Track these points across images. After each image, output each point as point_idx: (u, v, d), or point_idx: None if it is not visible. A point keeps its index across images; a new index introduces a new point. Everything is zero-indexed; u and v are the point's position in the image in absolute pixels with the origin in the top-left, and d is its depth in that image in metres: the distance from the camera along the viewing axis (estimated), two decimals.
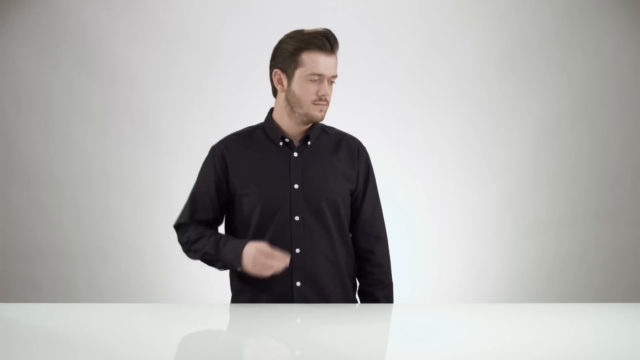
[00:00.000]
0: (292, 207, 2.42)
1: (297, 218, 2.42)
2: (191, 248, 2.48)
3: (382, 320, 2.24)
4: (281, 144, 2.45)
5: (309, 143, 2.47)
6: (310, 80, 2.38)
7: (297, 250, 2.41)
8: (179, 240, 2.55)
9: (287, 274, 2.39)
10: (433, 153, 4.23)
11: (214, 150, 2.51)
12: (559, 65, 4.23)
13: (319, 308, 2.32)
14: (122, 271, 4.17)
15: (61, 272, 4.20)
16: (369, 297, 2.52)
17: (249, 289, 2.47)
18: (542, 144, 4.23)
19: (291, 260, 2.38)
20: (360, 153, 2.55)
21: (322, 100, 2.41)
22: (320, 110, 2.42)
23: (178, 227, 2.57)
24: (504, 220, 4.24)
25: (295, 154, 2.46)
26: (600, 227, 4.21)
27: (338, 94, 4.25)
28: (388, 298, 2.53)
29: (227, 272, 2.55)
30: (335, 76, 2.41)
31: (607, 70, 4.23)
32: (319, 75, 2.37)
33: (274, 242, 2.38)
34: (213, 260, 2.41)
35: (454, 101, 4.23)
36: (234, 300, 2.53)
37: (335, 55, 2.39)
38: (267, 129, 2.48)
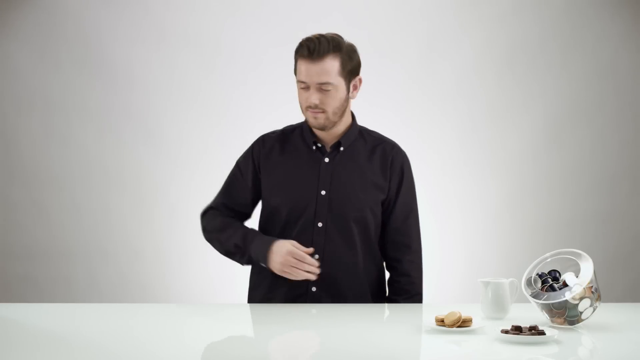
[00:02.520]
0: (317, 213, 2.40)
1: (320, 224, 2.40)
2: (216, 237, 2.44)
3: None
4: (314, 148, 2.43)
5: (341, 149, 2.43)
6: (300, 87, 2.37)
7: (316, 257, 2.37)
8: (204, 226, 2.51)
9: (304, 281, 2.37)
10: (433, 153, 4.23)
11: (254, 145, 2.50)
12: (558, 66, 4.22)
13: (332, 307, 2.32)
14: (122, 271, 4.17)
15: (61, 272, 4.20)
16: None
17: (264, 287, 2.45)
18: (542, 144, 4.23)
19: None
20: (394, 161, 2.48)
21: (313, 108, 2.35)
22: (315, 118, 2.36)
23: (206, 211, 2.52)
24: (504, 220, 4.24)
25: (327, 160, 2.43)
26: (600, 227, 4.21)
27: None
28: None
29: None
30: (325, 83, 2.32)
31: (607, 70, 4.22)
32: (303, 82, 2.35)
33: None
34: (239, 253, 2.38)
35: (453, 101, 4.23)
36: (249, 296, 2.53)
37: (324, 61, 2.31)
38: (304, 132, 2.46)
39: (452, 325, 1.90)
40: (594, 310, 1.99)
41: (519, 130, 4.22)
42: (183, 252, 4.10)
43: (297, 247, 2.29)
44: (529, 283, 2.06)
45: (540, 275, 2.06)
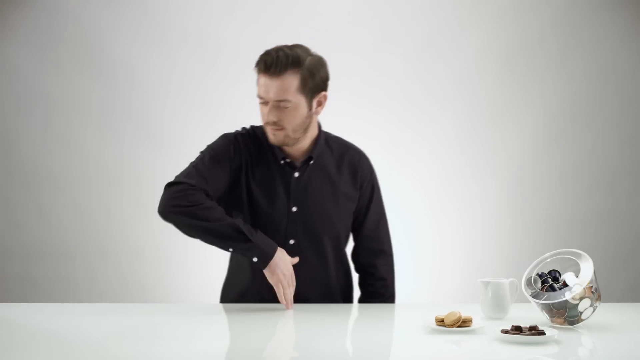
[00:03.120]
0: (288, 231, 2.35)
1: (292, 242, 2.36)
2: (201, 212, 2.21)
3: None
4: (282, 162, 2.37)
5: (311, 162, 2.38)
6: (259, 102, 2.30)
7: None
8: (176, 197, 2.24)
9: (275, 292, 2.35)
10: (433, 153, 4.23)
11: (233, 143, 2.36)
12: (558, 66, 4.22)
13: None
14: (122, 271, 4.17)
15: (61, 272, 4.20)
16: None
17: (238, 287, 2.44)
18: (542, 144, 4.23)
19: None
20: (362, 171, 2.45)
21: (271, 124, 2.28)
22: (273, 134, 2.29)
23: (177, 184, 2.27)
24: (504, 220, 4.24)
25: (296, 174, 2.37)
26: (600, 227, 4.21)
27: (338, 95, 4.26)
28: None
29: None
30: (282, 100, 2.23)
31: (607, 70, 4.22)
32: (260, 97, 2.28)
33: None
34: (238, 238, 2.20)
35: (453, 101, 4.23)
36: (223, 290, 2.51)
37: (283, 77, 2.22)
38: (273, 146, 2.37)
39: (452, 325, 1.90)
40: (594, 310, 1.99)
41: (519, 130, 4.22)
42: (183, 252, 4.09)
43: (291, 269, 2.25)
44: (529, 283, 2.06)
45: (540, 275, 2.06)
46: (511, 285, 2.14)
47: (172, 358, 1.76)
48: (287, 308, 2.23)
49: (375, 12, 4.23)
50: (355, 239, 2.53)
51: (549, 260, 2.10)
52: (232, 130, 2.48)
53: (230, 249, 2.24)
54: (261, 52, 2.38)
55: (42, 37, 4.18)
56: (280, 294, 2.23)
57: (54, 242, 4.19)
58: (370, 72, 4.23)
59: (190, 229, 2.25)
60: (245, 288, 2.42)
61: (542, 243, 4.08)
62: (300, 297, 2.37)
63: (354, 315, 2.30)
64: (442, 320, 1.93)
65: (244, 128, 2.44)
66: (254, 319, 2.15)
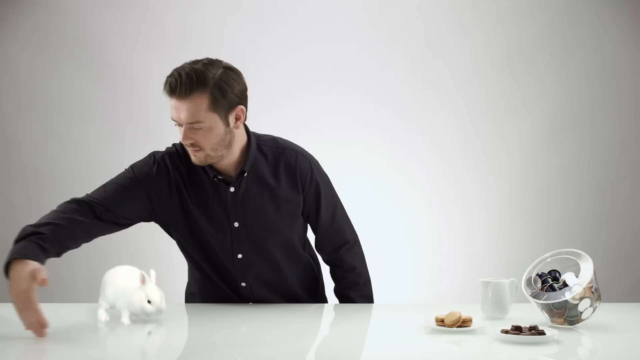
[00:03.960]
0: (234, 246, 2.31)
1: (239, 256, 2.32)
2: (42, 224, 2.17)
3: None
4: (216, 180, 2.28)
5: (245, 175, 2.28)
6: (174, 124, 2.22)
7: (243, 284, 2.36)
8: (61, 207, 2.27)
9: (240, 297, 2.36)
10: (433, 154, 4.23)
11: (158, 164, 2.28)
12: (558, 66, 4.22)
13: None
14: None
15: (61, 272, 4.20)
16: (345, 299, 2.50)
17: (197, 290, 2.44)
18: (542, 144, 4.23)
19: (239, 292, 2.35)
20: (302, 172, 2.34)
21: (188, 146, 2.19)
22: (194, 155, 2.20)
23: (72, 201, 2.28)
24: (504, 220, 4.24)
25: (232, 189, 2.27)
26: (600, 227, 4.21)
27: (338, 96, 4.27)
28: (366, 296, 2.50)
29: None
30: (194, 122, 2.12)
31: (607, 70, 4.22)
32: (173, 119, 2.20)
33: (219, 278, 2.31)
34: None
35: (453, 102, 4.23)
36: (186, 298, 2.51)
37: (190, 99, 2.11)
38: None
39: (452, 325, 1.90)
40: (594, 310, 1.99)
41: (519, 130, 4.22)
42: (179, 253, 4.09)
43: (31, 288, 1.87)
44: (529, 283, 2.06)
45: (540, 275, 2.06)
46: (511, 285, 2.14)
47: (172, 358, 1.76)
48: (37, 335, 1.87)
49: (375, 12, 4.23)
50: (315, 234, 2.48)
51: (549, 260, 2.10)
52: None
53: None
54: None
55: (43, 37, 4.18)
56: (20, 316, 1.90)
57: None
58: (370, 73, 4.23)
59: None
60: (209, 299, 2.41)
61: (542, 243, 4.08)
62: (260, 299, 2.38)
63: (354, 315, 2.30)
64: (442, 320, 1.93)
65: (174, 145, 2.36)
66: (254, 318, 2.15)
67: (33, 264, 1.92)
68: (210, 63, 2.17)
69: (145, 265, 2.13)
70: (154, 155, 2.34)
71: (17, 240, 2.07)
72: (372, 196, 4.19)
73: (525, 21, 4.21)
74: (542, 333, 1.82)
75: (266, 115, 4.04)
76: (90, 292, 4.20)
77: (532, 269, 2.09)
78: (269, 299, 2.40)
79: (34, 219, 4.26)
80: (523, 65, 4.22)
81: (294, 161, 2.34)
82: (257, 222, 2.30)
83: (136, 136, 4.19)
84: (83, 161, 4.20)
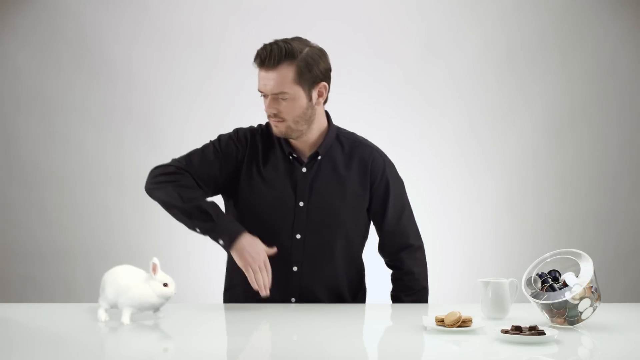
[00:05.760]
0: (295, 226, 2.35)
1: (298, 236, 2.35)
2: (175, 189, 2.28)
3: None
4: (291, 157, 2.37)
5: (319, 158, 2.37)
6: (261, 96, 2.32)
7: (295, 269, 2.36)
8: (158, 173, 2.36)
9: (283, 289, 2.35)
10: (433, 154, 4.23)
11: (235, 137, 2.40)
12: (558, 66, 4.22)
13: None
14: None
15: (61, 272, 4.20)
16: (397, 301, 2.50)
17: (240, 291, 2.40)
18: (542, 144, 4.23)
19: (287, 277, 2.35)
20: (373, 168, 2.42)
21: (271, 117, 2.31)
22: (275, 126, 2.31)
23: (165, 165, 2.38)
24: (504, 220, 4.24)
25: (304, 170, 2.36)
26: (600, 227, 4.21)
27: (338, 95, 4.26)
28: (419, 303, 2.49)
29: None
30: (280, 93, 2.25)
31: (607, 70, 4.22)
32: (260, 91, 2.30)
33: (272, 261, 2.29)
34: (201, 217, 2.24)
35: (453, 102, 4.23)
36: (224, 295, 2.49)
37: (277, 70, 2.24)
38: (281, 140, 2.38)
39: (452, 325, 1.90)
40: (594, 310, 1.99)
41: (519, 130, 4.22)
42: (183, 252, 4.09)
43: (266, 257, 2.21)
44: (529, 283, 2.06)
45: (540, 275, 2.06)
46: (511, 285, 2.14)
47: (171, 358, 1.76)
48: (262, 294, 2.19)
49: (375, 13, 4.23)
50: (379, 234, 2.50)
51: (549, 260, 2.10)
52: (231, 130, 2.46)
53: (197, 230, 2.26)
54: (325, 51, 2.38)
55: (43, 37, 4.18)
56: (250, 278, 2.19)
57: (54, 242, 4.19)
58: (370, 73, 4.23)
59: (165, 206, 2.32)
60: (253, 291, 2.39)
61: (542, 243, 4.08)
62: (307, 294, 2.37)
63: (354, 315, 2.30)
64: (442, 320, 1.93)
65: (259, 125, 2.46)
66: (252, 318, 2.15)
67: (255, 237, 2.22)
68: (300, 40, 2.31)
69: (145, 265, 2.13)
70: (236, 130, 2.44)
71: (201, 209, 2.26)
72: None
73: (525, 21, 4.21)
74: (542, 333, 1.82)
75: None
76: (90, 292, 4.20)
77: (532, 269, 2.10)
78: (315, 290, 2.38)
79: (34, 218, 4.25)
80: (523, 65, 4.22)
81: (368, 156, 2.43)
82: (322, 206, 2.35)
83: (136, 136, 4.19)
84: (83, 161, 4.20)
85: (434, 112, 4.23)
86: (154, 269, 2.06)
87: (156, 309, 2.08)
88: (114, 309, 2.08)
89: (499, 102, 4.23)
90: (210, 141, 2.43)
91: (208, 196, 2.37)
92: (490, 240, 4.23)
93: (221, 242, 2.23)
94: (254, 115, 4.32)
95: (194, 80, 4.20)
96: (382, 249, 2.52)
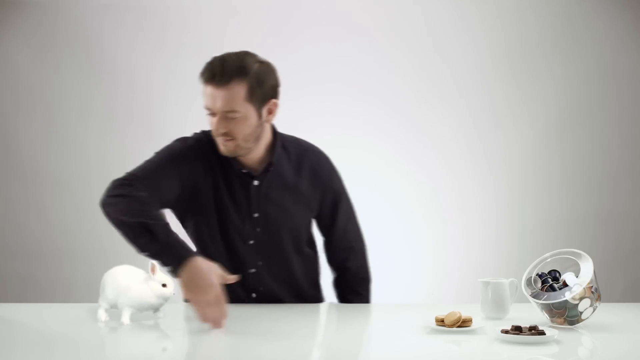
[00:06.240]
0: (249, 234, 2.34)
1: (251, 242, 2.35)
2: (133, 208, 2.10)
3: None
4: (242, 172, 2.32)
5: (271, 169, 2.33)
6: (207, 114, 2.24)
7: (252, 270, 2.36)
8: (112, 188, 2.18)
9: (245, 288, 2.35)
10: (433, 153, 4.23)
11: (193, 149, 2.31)
12: (559, 66, 4.22)
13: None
14: None
15: (61, 272, 4.20)
16: (342, 298, 2.54)
17: None
18: (543, 144, 4.23)
19: (246, 278, 2.33)
20: (322, 174, 2.42)
21: (220, 136, 2.21)
22: (224, 145, 2.22)
23: (123, 179, 2.21)
24: (504, 220, 4.24)
25: (256, 182, 2.33)
26: (600, 227, 4.21)
27: (338, 95, 4.26)
28: (358, 293, 2.53)
29: None
30: (230, 111, 2.15)
31: (608, 70, 4.22)
32: (207, 108, 2.22)
33: (227, 262, 2.29)
34: (147, 237, 2.06)
35: (453, 102, 4.23)
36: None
37: (229, 87, 2.15)
38: (231, 158, 2.31)
39: (452, 325, 1.90)
40: (594, 310, 1.99)
41: (520, 130, 4.22)
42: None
43: (219, 288, 1.96)
44: (529, 283, 2.06)
45: (540, 275, 2.06)
46: (511, 285, 2.14)
47: (172, 357, 1.76)
48: (214, 327, 1.95)
49: (375, 13, 4.23)
50: (325, 237, 2.53)
51: (549, 260, 2.10)
52: None
53: (145, 252, 2.08)
54: (261, 53, 2.36)
55: (43, 38, 4.18)
56: (198, 314, 1.96)
57: (53, 242, 4.19)
58: (370, 73, 4.23)
59: (114, 224, 2.18)
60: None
61: (542, 243, 4.08)
62: (265, 289, 2.38)
63: (354, 315, 2.30)
64: (442, 320, 1.93)
65: (202, 132, 2.37)
66: (252, 318, 2.15)
67: (211, 263, 2.00)
68: (249, 55, 2.26)
69: (144, 266, 2.13)
70: (185, 140, 2.37)
71: (148, 229, 2.06)
72: (372, 196, 4.19)
73: (527, 21, 4.21)
74: (542, 333, 1.82)
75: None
76: (90, 292, 4.19)
77: (532, 269, 2.10)
78: (274, 288, 2.39)
79: (33, 218, 4.25)
80: (524, 65, 4.22)
81: (316, 162, 2.42)
82: (276, 215, 2.35)
83: (136, 136, 4.19)
84: (83, 161, 4.20)
85: (435, 111, 4.23)
86: (153, 270, 2.07)
87: (156, 309, 2.08)
88: (114, 309, 2.08)
89: (500, 102, 4.23)
90: (164, 150, 2.35)
91: (159, 210, 2.23)
92: (490, 240, 4.23)
93: (168, 268, 2.03)
94: None
95: (194, 80, 4.18)
96: (328, 251, 2.55)
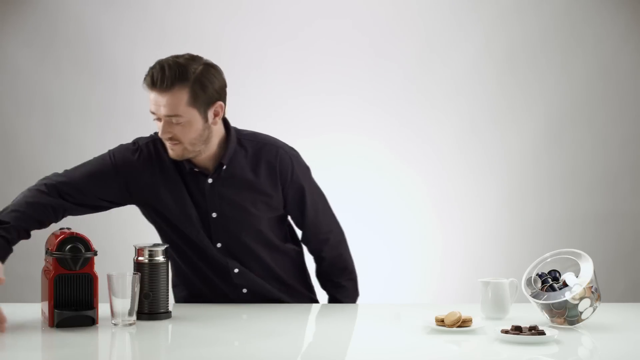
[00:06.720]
0: (213, 236, 2.32)
1: (219, 245, 2.32)
2: (19, 206, 2.33)
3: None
4: (195, 170, 2.30)
5: (224, 167, 2.30)
6: (153, 118, 2.26)
7: (236, 270, 2.35)
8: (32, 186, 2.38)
9: (232, 285, 2.35)
10: (433, 153, 4.23)
11: (140, 151, 2.35)
12: (559, 65, 4.22)
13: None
14: (122, 271, 4.16)
15: None
16: (333, 287, 2.51)
17: (185, 287, 2.41)
18: (543, 144, 4.23)
19: (231, 278, 2.33)
20: (281, 167, 2.35)
21: (166, 140, 2.24)
22: (172, 149, 2.24)
23: (42, 179, 2.38)
24: (504, 220, 4.24)
25: (210, 180, 2.30)
26: (600, 227, 4.21)
27: (338, 95, 4.26)
28: (338, 284, 2.50)
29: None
30: (173, 116, 2.17)
31: (608, 69, 4.22)
32: (152, 113, 2.24)
33: (208, 266, 2.30)
34: None
35: (454, 102, 4.23)
36: (173, 292, 2.46)
37: (171, 92, 2.16)
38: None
39: (452, 325, 1.90)
40: (594, 310, 1.99)
41: (519, 130, 4.22)
42: None
43: None
44: (529, 283, 2.06)
45: (540, 275, 2.06)
46: (511, 285, 2.14)
47: (170, 357, 1.76)
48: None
49: (375, 12, 4.23)
50: (299, 228, 2.49)
51: (549, 260, 2.10)
52: None
53: None
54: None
55: (43, 37, 4.18)
56: None
57: None
58: (370, 72, 4.22)
59: None
60: (196, 289, 2.40)
61: (542, 243, 4.08)
62: (252, 289, 2.36)
63: (354, 315, 2.30)
64: (442, 320, 1.93)
65: (155, 134, 2.38)
66: (257, 317, 2.15)
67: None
68: (192, 58, 2.24)
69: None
70: (137, 141, 2.41)
71: None
72: (372, 196, 4.19)
73: (526, 21, 4.21)
74: (542, 333, 1.82)
75: (265, 114, 4.04)
76: None
77: (532, 269, 2.10)
78: (261, 284, 2.37)
79: None
80: (523, 65, 4.22)
81: (274, 157, 2.35)
82: (234, 214, 2.31)
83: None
84: (83, 161, 4.19)
85: (434, 111, 4.23)
86: None
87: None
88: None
89: (499, 102, 4.23)
90: (106, 155, 2.42)
91: (83, 211, 2.44)
92: (490, 240, 4.22)
93: None
94: (254, 114, 4.34)
95: None
96: (305, 242, 2.51)
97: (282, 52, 4.16)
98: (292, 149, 2.43)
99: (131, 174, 2.33)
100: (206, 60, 2.26)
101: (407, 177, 4.23)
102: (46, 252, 2.06)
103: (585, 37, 4.21)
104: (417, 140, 4.23)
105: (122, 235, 4.21)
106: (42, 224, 2.35)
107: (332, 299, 2.52)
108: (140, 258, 2.10)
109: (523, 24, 4.21)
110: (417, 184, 4.24)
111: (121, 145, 2.42)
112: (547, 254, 2.11)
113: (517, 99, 4.22)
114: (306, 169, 2.44)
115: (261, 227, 2.35)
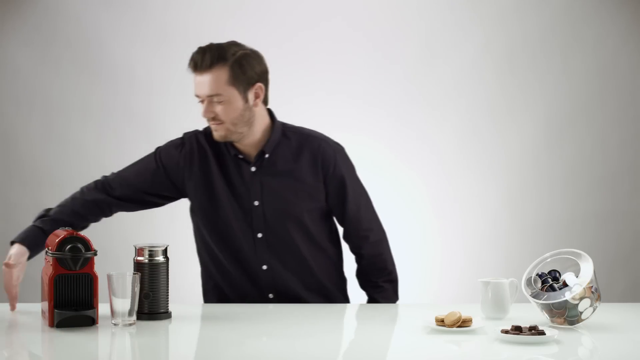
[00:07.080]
0: (254, 225, 2.34)
1: (259, 235, 2.35)
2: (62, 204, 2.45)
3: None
4: (239, 157, 2.35)
5: (266, 156, 2.35)
6: (198, 101, 2.34)
7: (265, 267, 2.36)
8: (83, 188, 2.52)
9: (258, 287, 2.36)
10: (432, 153, 4.23)
11: (180, 145, 2.45)
12: (558, 65, 4.22)
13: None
14: (122, 271, 4.16)
15: None
16: (372, 287, 2.49)
17: (218, 293, 2.44)
18: (542, 144, 4.23)
19: (258, 277, 2.35)
20: (324, 161, 2.39)
21: (210, 121, 2.32)
22: (215, 130, 2.32)
23: (94, 181, 2.53)
24: (504, 220, 4.24)
25: (253, 169, 2.35)
26: (600, 227, 4.21)
27: (338, 95, 4.26)
28: (377, 285, 2.49)
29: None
30: (214, 95, 2.27)
31: (608, 69, 4.22)
32: (197, 96, 2.32)
33: (238, 264, 2.32)
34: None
35: (453, 102, 4.23)
36: (203, 298, 2.51)
37: (211, 72, 2.26)
38: (227, 144, 2.37)
39: (452, 325, 1.90)
40: (594, 310, 1.99)
41: (519, 130, 4.22)
42: (183, 252, 4.08)
43: (14, 269, 2.19)
44: (529, 283, 2.06)
45: (540, 275, 2.06)
46: (511, 285, 2.14)
47: (171, 357, 1.76)
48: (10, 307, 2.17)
49: (375, 12, 4.23)
50: (340, 224, 2.49)
51: (549, 260, 2.10)
52: None
53: None
54: (261, 52, 2.39)
55: (43, 38, 4.18)
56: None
57: None
58: (370, 75, 4.23)
59: None
60: (224, 295, 2.43)
61: (542, 243, 4.08)
62: (283, 290, 2.37)
63: (354, 315, 2.30)
64: (442, 320, 1.93)
65: (205, 128, 2.45)
66: (257, 317, 2.15)
67: (22, 257, 2.23)
68: (234, 43, 2.34)
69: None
70: (184, 135, 2.48)
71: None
72: (371, 196, 4.19)
73: (526, 21, 4.21)
74: (542, 333, 1.82)
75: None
76: None
77: (532, 269, 2.10)
78: (290, 285, 2.38)
79: (33, 218, 4.25)
80: (523, 64, 4.22)
81: (317, 148, 2.39)
82: (276, 203, 2.35)
83: (136, 136, 4.19)
84: (83, 161, 4.20)
85: (434, 111, 4.23)
86: None
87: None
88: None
89: (499, 102, 4.23)
90: (153, 153, 2.51)
91: (118, 209, 2.56)
92: (490, 240, 4.22)
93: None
94: None
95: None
96: (345, 237, 2.51)
97: (282, 52, 4.16)
98: (337, 143, 2.47)
99: (173, 169, 2.41)
100: (249, 47, 2.35)
101: (407, 177, 4.23)
102: (46, 252, 2.06)
103: (585, 38, 4.21)
104: (417, 140, 4.23)
105: (122, 235, 4.21)
106: (85, 219, 2.50)
107: (371, 300, 2.51)
108: (140, 258, 2.10)
109: (523, 24, 4.21)
110: (417, 184, 4.24)
111: (169, 141, 2.52)
112: (547, 254, 2.11)
113: (517, 99, 4.23)
114: (350, 165, 2.47)
115: (303, 219, 2.37)
